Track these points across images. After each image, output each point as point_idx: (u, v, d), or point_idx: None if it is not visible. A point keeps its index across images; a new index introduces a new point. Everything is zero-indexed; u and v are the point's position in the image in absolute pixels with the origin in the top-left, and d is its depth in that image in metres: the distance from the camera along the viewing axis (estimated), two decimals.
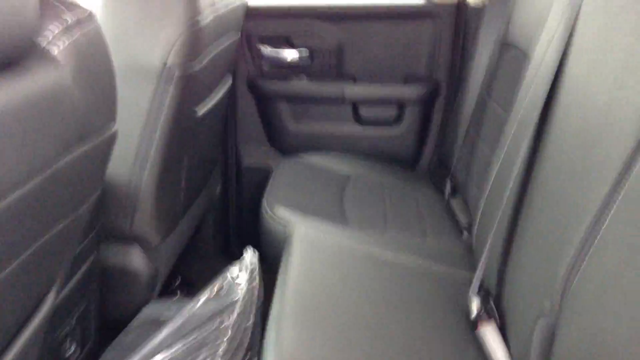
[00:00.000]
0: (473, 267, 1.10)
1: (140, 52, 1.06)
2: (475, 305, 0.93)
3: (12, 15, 0.50)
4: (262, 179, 1.58)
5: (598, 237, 0.65)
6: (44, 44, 0.60)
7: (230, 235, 1.86)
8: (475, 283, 0.95)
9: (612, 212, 0.64)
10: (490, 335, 0.88)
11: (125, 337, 1.17)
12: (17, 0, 0.50)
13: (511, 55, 1.22)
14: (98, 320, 1.20)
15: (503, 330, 0.88)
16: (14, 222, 0.56)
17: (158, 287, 1.30)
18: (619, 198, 0.63)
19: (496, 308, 0.91)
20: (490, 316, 0.90)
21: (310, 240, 1.16)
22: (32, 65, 0.56)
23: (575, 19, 0.86)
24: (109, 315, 1.25)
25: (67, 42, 0.61)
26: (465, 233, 1.26)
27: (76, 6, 0.65)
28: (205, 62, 1.17)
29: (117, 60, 0.74)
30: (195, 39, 1.09)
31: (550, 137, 0.85)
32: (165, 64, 1.06)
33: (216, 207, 1.80)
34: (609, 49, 0.75)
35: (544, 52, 0.97)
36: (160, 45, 1.05)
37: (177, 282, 1.69)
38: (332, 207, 1.34)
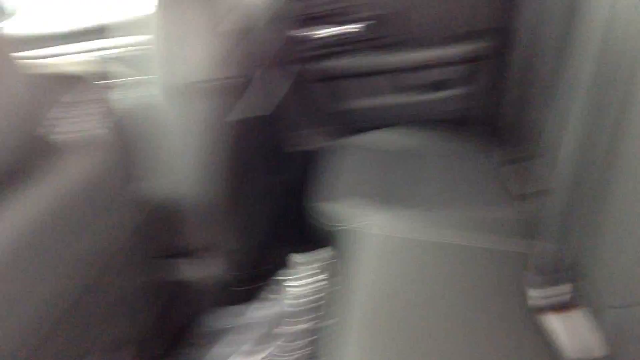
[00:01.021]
0: (529, 239, 1.03)
1: (192, 69, 1.03)
2: (542, 291, 0.87)
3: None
4: (310, 163, 1.53)
5: None
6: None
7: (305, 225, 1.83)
8: (539, 267, 0.88)
9: None
10: (559, 323, 0.82)
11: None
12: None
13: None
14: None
15: (587, 316, 0.81)
16: None
17: (222, 296, 1.28)
18: None
19: (575, 291, 0.85)
20: (564, 302, 0.84)
21: (376, 232, 1.13)
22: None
23: None
24: (170, 327, 1.24)
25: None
26: (523, 201, 1.19)
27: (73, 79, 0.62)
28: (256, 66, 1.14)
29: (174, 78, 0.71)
30: (244, 48, 1.06)
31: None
32: (216, 76, 1.03)
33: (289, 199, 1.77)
34: None
35: None
36: (209, 59, 1.02)
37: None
38: (393, 191, 1.30)
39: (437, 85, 1.64)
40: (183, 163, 1.08)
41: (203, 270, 1.19)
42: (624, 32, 0.83)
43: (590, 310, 0.81)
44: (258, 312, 1.12)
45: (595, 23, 1.01)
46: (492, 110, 1.63)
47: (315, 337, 1.07)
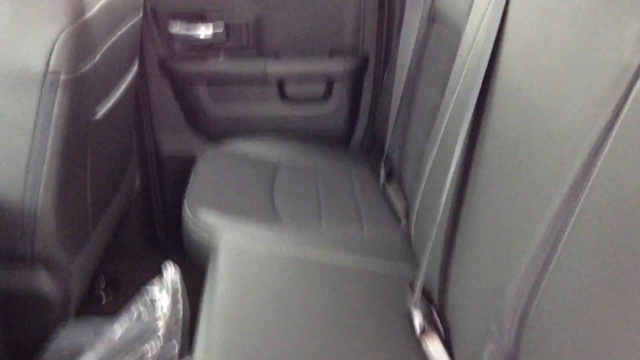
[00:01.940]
0: (414, 261, 1.04)
1: (18, 58, 0.91)
2: (417, 314, 0.86)
3: None
4: (185, 167, 1.45)
5: (558, 250, 0.58)
6: None
7: (156, 229, 1.73)
8: (418, 291, 0.88)
9: (572, 219, 0.57)
10: (434, 349, 0.82)
11: None
12: None
13: (440, 31, 1.13)
14: (4, 351, 1.07)
15: (450, 343, 0.82)
16: None
17: (72, 309, 1.17)
18: (577, 209, 0.56)
19: (440, 317, 0.85)
20: (434, 328, 0.84)
21: (238, 247, 1.05)
22: None
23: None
24: (19, 344, 1.12)
25: None
26: (404, 221, 1.20)
27: None
28: (98, 57, 1.02)
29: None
30: (81, 34, 0.93)
31: (491, 127, 0.78)
32: (47, 68, 0.90)
33: (138, 202, 1.66)
34: (545, 31, 0.68)
35: (476, 32, 0.89)
36: (39, 48, 0.90)
37: (102, 286, 1.57)
38: (261, 203, 1.23)
39: (315, 98, 1.63)
40: (9, 163, 0.97)
41: (37, 283, 1.07)
42: (471, 64, 0.86)
43: (453, 337, 0.82)
44: (117, 328, 1.03)
45: (443, 55, 1.05)
46: (370, 128, 1.65)
47: (176, 354, 1.00)
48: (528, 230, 0.62)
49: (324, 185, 1.34)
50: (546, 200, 0.60)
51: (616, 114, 0.53)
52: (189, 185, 1.29)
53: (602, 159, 0.53)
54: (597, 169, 0.54)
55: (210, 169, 1.36)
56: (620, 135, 0.52)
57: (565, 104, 0.61)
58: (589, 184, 0.55)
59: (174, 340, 0.97)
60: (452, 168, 0.82)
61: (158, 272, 1.09)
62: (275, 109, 1.62)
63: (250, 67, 1.57)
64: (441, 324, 0.84)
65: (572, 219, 0.56)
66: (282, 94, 1.61)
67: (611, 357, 0.48)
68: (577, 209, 0.56)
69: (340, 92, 1.60)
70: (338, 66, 1.57)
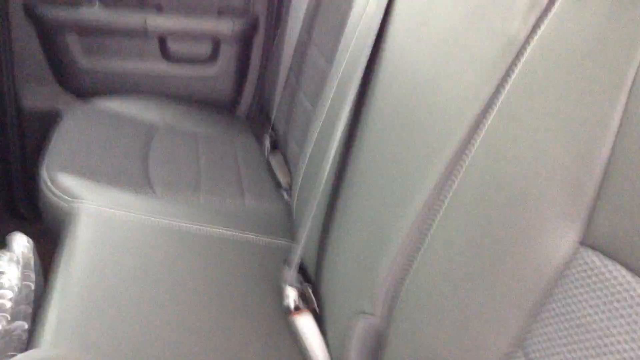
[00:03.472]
0: (293, 237, 1.00)
1: None
2: (291, 290, 0.83)
3: None
4: (50, 125, 1.30)
5: (433, 227, 0.57)
6: None
7: (14, 194, 1.56)
8: (294, 267, 0.85)
9: (449, 195, 0.55)
10: (305, 326, 0.79)
11: None
12: None
13: None
14: None
15: (322, 321, 0.80)
16: None
17: None
18: (454, 186, 0.54)
19: (315, 294, 0.83)
20: (307, 304, 0.81)
21: (100, 217, 0.95)
22: None
23: None
24: None
25: None
26: (286, 195, 1.16)
27: None
28: None
29: None
30: None
31: (377, 99, 0.75)
32: None
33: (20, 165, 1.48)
34: (436, 1, 0.66)
35: (366, 1, 0.85)
36: None
37: None
38: (133, 169, 1.13)
39: (200, 59, 1.53)
40: None
41: None
42: (361, 33, 0.83)
43: (326, 314, 0.79)
44: None
45: (334, 23, 1.01)
46: (257, 94, 1.58)
47: (25, 336, 0.89)
48: (405, 206, 0.61)
49: (205, 153, 1.26)
50: (425, 176, 0.58)
51: (500, 88, 0.51)
52: (49, 145, 1.15)
53: (482, 133, 0.52)
54: (477, 144, 0.53)
55: (76, 128, 1.23)
56: (501, 110, 0.51)
57: (452, 76, 0.59)
58: (468, 159, 0.53)
59: (22, 321, 0.86)
60: (336, 140, 0.79)
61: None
62: (156, 67, 1.50)
63: (128, 19, 1.43)
64: (316, 301, 0.81)
65: (449, 195, 0.55)
66: (164, 52, 1.49)
67: (478, 332, 0.48)
68: (454, 185, 0.54)
69: (227, 55, 1.52)
70: (226, 26, 1.48)
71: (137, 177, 1.10)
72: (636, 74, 0.40)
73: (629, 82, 0.40)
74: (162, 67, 1.50)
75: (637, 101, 0.39)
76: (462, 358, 0.50)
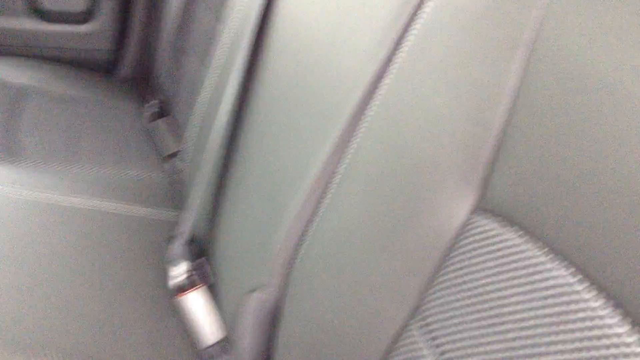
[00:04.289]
0: (179, 208, 0.94)
1: None
2: (180, 265, 0.78)
3: None
4: None
5: (324, 202, 0.54)
6: None
7: None
8: (182, 240, 0.79)
9: (345, 161, 0.53)
10: (194, 302, 0.74)
11: None
12: None
13: None
14: None
15: (217, 296, 0.75)
16: None
17: None
18: (350, 153, 0.52)
19: (210, 268, 0.78)
20: (198, 280, 0.76)
21: None
22: None
23: None
24: None
25: None
26: (173, 162, 1.08)
27: None
28: None
29: None
30: None
31: (269, 60, 0.70)
32: None
33: None
34: None
35: None
36: None
37: None
38: (11, 136, 1.00)
39: (75, 15, 1.38)
40: None
41: None
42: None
43: (219, 290, 0.75)
44: None
45: None
46: (140, 54, 1.47)
47: None
48: (300, 175, 0.57)
49: (81, 118, 1.15)
50: (321, 141, 0.55)
51: (396, 50, 0.49)
52: None
53: (379, 97, 0.50)
54: (374, 108, 0.50)
55: None
56: (398, 73, 0.49)
57: (347, 38, 0.56)
58: (365, 124, 0.51)
59: None
60: (228, 104, 0.74)
61: None
62: (23, 22, 1.33)
63: None
64: (211, 275, 0.77)
65: (346, 163, 0.52)
66: (32, 5, 1.33)
67: (377, 302, 0.46)
68: (351, 152, 0.52)
69: (105, 9, 1.38)
70: None
71: (1, 145, 0.98)
72: (534, 33, 0.39)
73: (525, 43, 0.39)
74: (30, 21, 1.34)
75: (535, 62, 0.38)
76: (359, 328, 0.48)
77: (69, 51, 1.40)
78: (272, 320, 0.61)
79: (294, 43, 0.66)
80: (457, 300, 0.41)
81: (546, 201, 0.36)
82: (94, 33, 1.40)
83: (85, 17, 1.38)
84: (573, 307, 0.33)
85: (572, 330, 0.32)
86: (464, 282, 0.40)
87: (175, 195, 0.99)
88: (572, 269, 0.34)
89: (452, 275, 0.42)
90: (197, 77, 1.00)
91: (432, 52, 0.46)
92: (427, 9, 0.48)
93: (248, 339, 0.62)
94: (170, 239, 0.82)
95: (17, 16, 1.32)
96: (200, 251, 0.81)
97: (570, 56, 0.36)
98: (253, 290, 0.63)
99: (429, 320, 0.42)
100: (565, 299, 0.33)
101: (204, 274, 0.77)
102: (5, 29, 1.33)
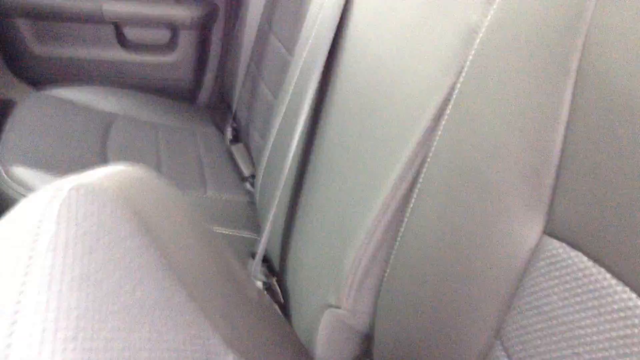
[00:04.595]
0: (257, 228, 0.99)
1: None
2: (257, 283, 0.83)
3: None
4: (3, 116, 1.24)
5: (402, 217, 0.56)
6: None
7: None
8: (258, 259, 0.84)
9: (413, 196, 0.55)
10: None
11: None
12: None
13: None
14: None
15: (288, 314, 0.79)
16: None
17: None
18: (420, 178, 0.54)
19: (280, 287, 0.82)
20: (273, 297, 0.81)
21: None
22: None
23: None
24: None
25: None
26: (248, 185, 1.14)
27: None
28: None
29: None
30: None
31: (339, 89, 0.74)
32: None
33: None
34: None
35: None
36: None
37: None
38: (91, 160, 1.09)
39: (158, 46, 1.49)
40: None
41: None
42: (322, 22, 0.82)
43: (291, 307, 0.79)
44: None
45: (293, 12, 1.00)
46: (218, 83, 1.56)
47: None
48: (369, 198, 0.61)
49: (165, 143, 1.23)
50: (389, 166, 0.58)
51: (458, 77, 0.52)
52: (2, 136, 1.11)
53: (443, 123, 0.52)
54: (439, 133, 0.53)
55: (30, 118, 1.18)
56: (458, 100, 0.51)
57: (414, 66, 0.59)
58: (431, 151, 0.53)
59: None
60: (298, 130, 0.78)
61: None
62: (112, 54, 1.45)
63: (83, 4, 1.38)
64: (282, 294, 0.81)
65: (417, 187, 0.55)
66: (121, 38, 1.45)
67: (458, 325, 0.48)
68: (420, 177, 0.54)
69: (186, 42, 1.48)
70: (184, 13, 1.44)
71: (94, 169, 1.07)
72: (579, 61, 0.39)
73: (573, 70, 0.40)
74: (118, 54, 1.46)
75: (581, 90, 0.39)
76: (445, 350, 0.50)
77: (153, 80, 1.51)
78: (344, 339, 0.64)
79: (361, 72, 0.69)
80: (536, 323, 0.42)
81: (604, 227, 0.37)
82: (176, 63, 1.50)
83: (167, 49, 1.49)
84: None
85: None
86: (540, 306, 0.41)
87: (251, 216, 1.05)
88: (635, 294, 0.35)
89: (528, 298, 0.43)
90: (270, 105, 1.06)
91: (488, 80, 0.48)
92: (484, 37, 0.50)
93: (327, 352, 0.66)
94: (249, 256, 0.87)
95: (108, 48, 1.45)
96: (273, 269, 0.86)
97: (613, 85, 0.37)
98: (323, 309, 0.66)
99: (512, 342, 0.44)
100: (630, 322, 0.34)
101: (274, 294, 0.81)
102: (98, 60, 1.45)
